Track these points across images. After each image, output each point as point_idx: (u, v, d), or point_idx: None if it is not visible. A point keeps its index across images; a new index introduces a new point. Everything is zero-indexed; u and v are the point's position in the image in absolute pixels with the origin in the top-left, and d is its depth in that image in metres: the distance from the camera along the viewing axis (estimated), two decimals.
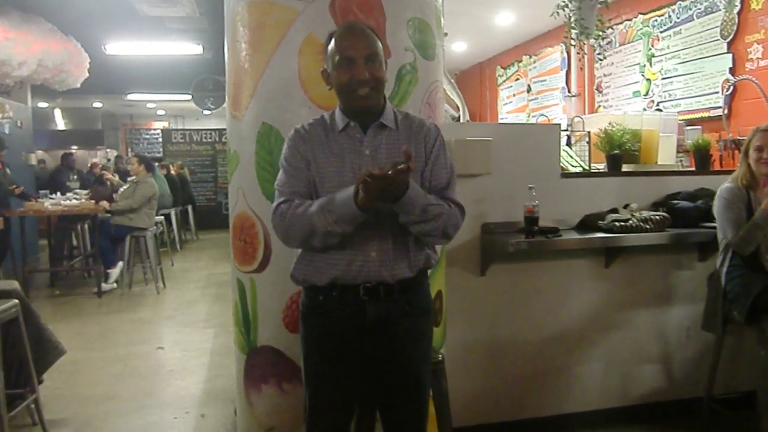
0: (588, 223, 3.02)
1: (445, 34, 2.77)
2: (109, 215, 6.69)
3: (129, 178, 7.01)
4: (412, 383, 1.82)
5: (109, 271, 6.75)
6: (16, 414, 3.00)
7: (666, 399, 3.21)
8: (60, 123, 15.51)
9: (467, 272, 2.93)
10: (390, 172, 1.53)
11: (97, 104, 14.50)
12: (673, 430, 3.05)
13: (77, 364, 4.25)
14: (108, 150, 10.40)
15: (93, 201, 6.91)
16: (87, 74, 8.19)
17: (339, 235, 1.66)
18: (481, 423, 2.94)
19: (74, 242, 8.00)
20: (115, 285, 6.78)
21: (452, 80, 4.04)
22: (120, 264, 6.78)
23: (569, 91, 7.26)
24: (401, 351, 1.79)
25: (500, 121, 8.86)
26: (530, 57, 8.31)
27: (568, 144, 3.94)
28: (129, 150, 10.64)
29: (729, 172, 2.89)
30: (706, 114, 5.11)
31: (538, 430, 3.04)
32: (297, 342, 1.87)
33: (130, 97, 12.89)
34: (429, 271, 1.89)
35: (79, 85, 8.24)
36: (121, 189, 6.84)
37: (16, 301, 3.00)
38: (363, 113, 1.74)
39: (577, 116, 4.62)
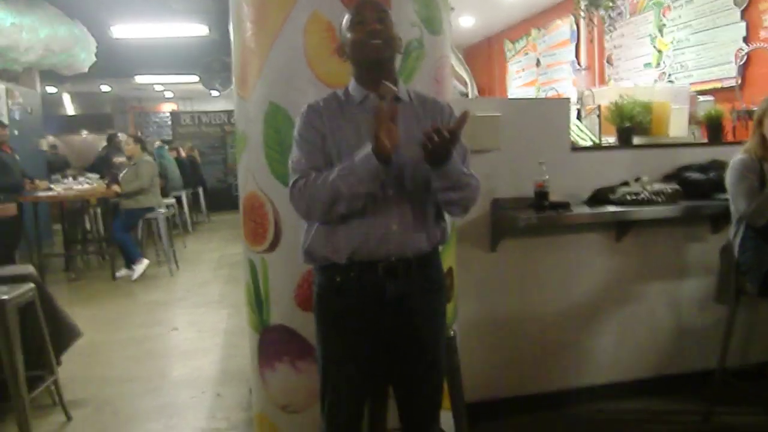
0: (599, 197, 3.00)
1: (452, 9, 2.74)
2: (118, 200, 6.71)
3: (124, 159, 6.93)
4: (429, 359, 1.83)
5: (134, 266, 6.68)
6: (36, 395, 3.06)
7: (678, 371, 3.22)
8: (69, 108, 15.56)
9: (478, 248, 2.93)
10: (446, 131, 1.54)
11: (106, 88, 14.51)
12: (686, 402, 3.06)
13: (94, 346, 4.31)
14: (119, 134, 10.40)
15: (105, 185, 6.97)
16: (94, 58, 8.19)
17: (364, 196, 1.65)
18: (493, 397, 2.96)
19: (87, 226, 8.07)
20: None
21: (460, 55, 4.00)
22: (146, 261, 6.73)
23: (579, 64, 7.18)
24: (419, 327, 1.79)
25: (510, 96, 8.78)
26: (539, 30, 8.21)
27: (579, 117, 3.91)
28: (139, 133, 10.68)
29: (742, 143, 2.86)
30: (718, 84, 5.03)
31: (551, 404, 3.05)
32: (309, 320, 1.87)
33: (138, 80, 12.87)
34: (440, 248, 1.89)
35: (86, 70, 8.24)
36: (121, 174, 6.78)
37: (32, 285, 3.04)
38: (377, 72, 1.73)
39: (587, 89, 4.57)
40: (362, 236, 1.70)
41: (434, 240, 1.80)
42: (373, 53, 1.71)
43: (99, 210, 7.63)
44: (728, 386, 2.89)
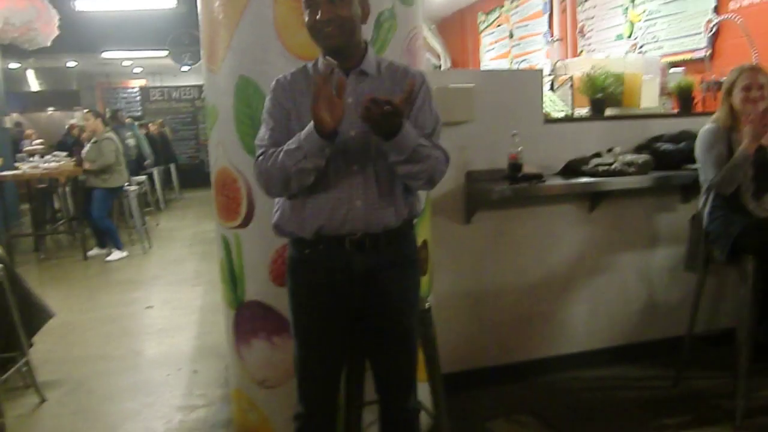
0: (572, 168, 3.02)
1: None
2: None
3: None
4: (401, 332, 1.84)
5: (115, 252, 6.53)
6: (8, 377, 3.02)
7: (650, 338, 3.29)
8: (34, 84, 15.13)
9: (452, 221, 2.94)
10: (390, 100, 1.52)
11: (71, 64, 14.13)
12: (656, 368, 3.13)
13: (67, 326, 4.26)
14: (86, 110, 10.18)
15: (74, 163, 6.82)
16: (57, 32, 7.93)
17: (311, 171, 1.64)
18: (470, 368, 3.00)
19: (56, 205, 7.91)
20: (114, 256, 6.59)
21: (433, 28, 3.96)
22: (125, 254, 6.56)
23: (552, 36, 7.17)
24: (389, 302, 1.79)
25: (483, 68, 8.76)
26: (512, 2, 8.16)
27: (552, 89, 3.91)
28: (107, 110, 10.44)
29: (711, 114, 2.89)
30: (689, 56, 5.06)
31: (526, 373, 3.10)
32: (285, 295, 1.87)
33: (105, 55, 12.54)
34: (415, 221, 1.88)
35: (49, 44, 7.99)
36: (83, 152, 6.51)
37: (1, 266, 2.98)
38: (338, 57, 1.70)
39: (559, 61, 4.57)
40: (326, 212, 1.70)
41: (402, 215, 1.77)
42: (327, 42, 1.68)
43: (68, 189, 7.47)
44: (697, 352, 2.96)
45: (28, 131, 10.78)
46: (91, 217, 6.54)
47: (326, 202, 1.70)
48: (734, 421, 2.61)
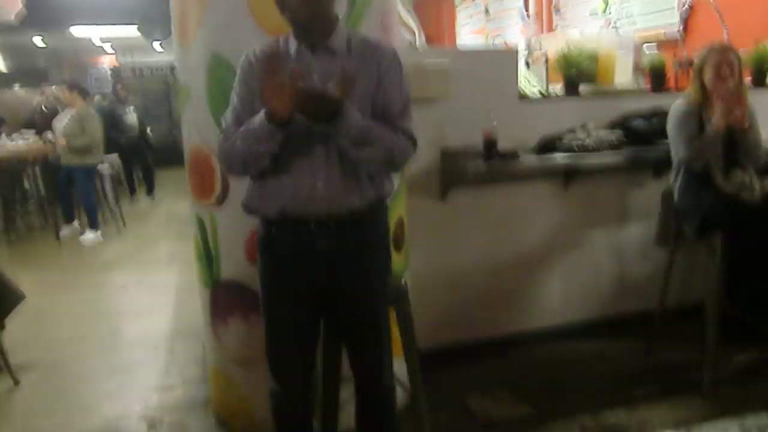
0: (546, 145, 3.04)
1: None
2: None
3: (64, 111, 6.40)
4: (368, 313, 1.84)
5: (90, 231, 6.36)
6: None
7: (622, 312, 3.35)
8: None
9: (428, 198, 2.95)
10: (323, 89, 1.52)
11: (39, 40, 13.74)
12: (628, 341, 3.20)
13: (40, 308, 4.20)
14: (55, 88, 9.91)
15: (42, 142, 6.67)
16: (21, 7, 7.69)
17: (265, 154, 1.65)
18: (445, 344, 3.02)
19: (26, 185, 7.74)
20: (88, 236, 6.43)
21: (407, 3, 3.93)
22: (101, 238, 6.39)
23: (527, 12, 7.16)
24: (354, 283, 1.79)
25: (459, 45, 8.72)
26: None
27: (527, 66, 3.92)
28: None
29: (683, 91, 2.92)
30: (662, 34, 5.10)
31: (502, 348, 3.14)
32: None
33: (74, 31, 12.23)
34: (386, 201, 1.87)
35: (13, 18, 7.74)
36: (57, 124, 6.26)
37: None
38: (305, 33, 1.69)
39: (534, 37, 4.57)
40: (289, 193, 1.69)
41: (368, 197, 1.75)
42: (294, 15, 1.67)
43: (38, 168, 7.30)
44: (667, 324, 3.03)
45: None
46: (64, 194, 6.44)
47: (289, 183, 1.69)
48: (702, 390, 2.69)
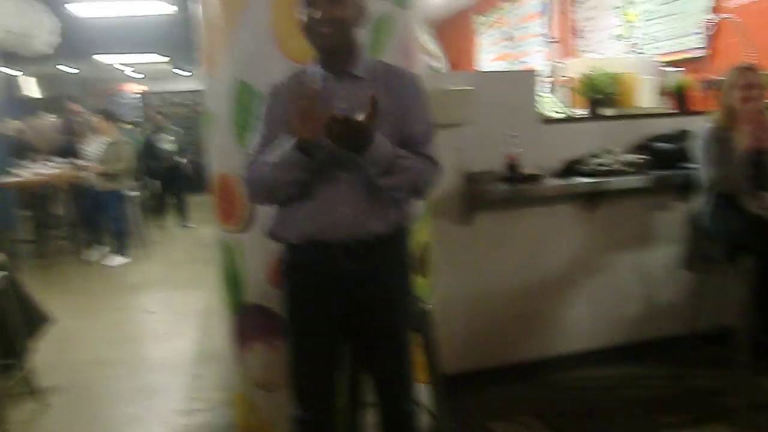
0: (570, 169, 3.03)
1: None
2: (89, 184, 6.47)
3: (96, 139, 6.57)
4: (390, 338, 1.84)
5: (119, 256, 6.55)
6: (11, 384, 3.02)
7: (650, 337, 3.29)
8: (31, 90, 15.11)
9: (452, 222, 2.95)
10: (355, 118, 1.52)
11: (71, 70, 14.14)
12: (657, 367, 3.14)
13: (67, 332, 4.25)
14: (82, 110, 10.14)
15: (71, 168, 6.81)
16: (59, 39, 7.95)
17: (295, 183, 1.65)
18: (471, 369, 3.00)
19: (59, 211, 7.89)
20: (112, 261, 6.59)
21: (430, 30, 3.97)
22: (127, 258, 6.58)
23: (550, 37, 7.18)
24: (377, 308, 1.79)
25: (478, 68, 8.77)
26: (510, 3, 8.18)
27: (551, 90, 3.92)
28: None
29: (709, 113, 2.90)
30: (687, 55, 5.06)
31: (527, 373, 3.11)
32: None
33: (104, 60, 12.56)
34: (409, 226, 1.88)
35: (51, 51, 7.99)
36: (90, 152, 6.46)
37: (4, 272, 2.98)
38: (330, 59, 1.71)
39: (558, 62, 4.58)
40: (313, 219, 1.70)
41: (391, 222, 1.75)
42: (322, 42, 1.68)
43: (71, 194, 7.44)
44: (697, 350, 2.97)
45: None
46: (94, 220, 6.61)
47: (313, 209, 1.70)
48: (734, 419, 2.61)
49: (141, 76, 15.64)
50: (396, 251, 1.83)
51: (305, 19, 1.66)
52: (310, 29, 1.67)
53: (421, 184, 1.74)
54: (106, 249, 6.80)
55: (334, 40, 1.68)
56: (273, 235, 1.82)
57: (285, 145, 1.63)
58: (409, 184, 1.70)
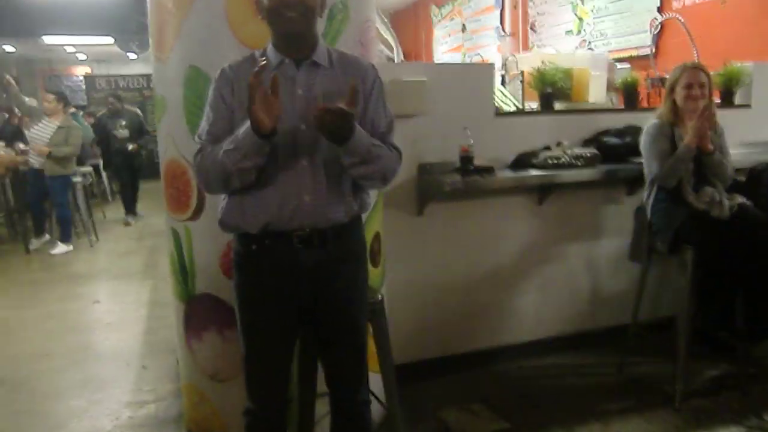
0: (522, 161, 3.08)
1: None
2: (34, 170, 6.24)
3: (44, 121, 6.30)
4: (348, 327, 1.84)
5: (62, 244, 6.35)
6: None
7: (596, 327, 3.38)
8: None
9: (405, 213, 2.96)
10: (342, 107, 1.51)
11: (9, 48, 13.55)
12: (602, 355, 3.23)
13: (7, 322, 4.12)
14: (27, 99, 9.72)
15: (13, 152, 6.56)
16: None
17: (252, 170, 1.63)
18: (422, 358, 3.03)
19: None
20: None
21: (386, 20, 3.97)
22: (71, 248, 6.39)
23: (504, 31, 7.27)
24: (335, 298, 1.79)
25: (436, 62, 8.81)
26: None
27: (503, 83, 3.97)
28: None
29: (655, 109, 2.99)
30: (635, 52, 5.22)
31: (478, 362, 3.15)
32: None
33: (47, 40, 12.07)
34: (364, 216, 1.88)
35: None
36: (36, 134, 6.20)
37: None
38: (292, 45, 1.68)
39: (510, 55, 4.63)
40: (274, 207, 1.67)
41: (351, 211, 1.77)
42: (287, 26, 1.65)
43: (8, 180, 7.16)
44: (640, 338, 3.07)
45: None
46: (36, 205, 6.40)
47: (274, 197, 1.67)
48: (674, 403, 2.72)
49: (85, 57, 15.11)
50: (353, 240, 1.83)
51: (272, 3, 1.62)
52: (275, 13, 1.63)
53: (389, 173, 1.75)
54: (49, 237, 6.59)
55: (299, 26, 1.65)
56: (226, 225, 1.77)
57: (242, 131, 1.60)
58: (380, 173, 1.72)
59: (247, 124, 1.57)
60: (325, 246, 1.72)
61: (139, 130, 8.03)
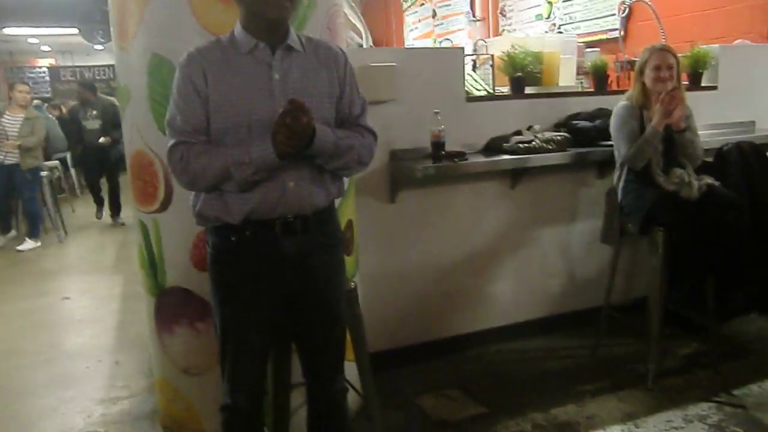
0: (493, 146, 3.07)
1: None
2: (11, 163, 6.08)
3: (7, 114, 6.18)
4: (331, 314, 1.82)
5: (30, 240, 6.21)
6: None
7: (570, 309, 3.41)
8: None
9: (377, 200, 2.94)
10: (291, 119, 1.51)
11: None
12: (576, 338, 3.26)
13: None
14: (20, 84, 9.44)
15: None
16: None
17: (257, 182, 1.62)
18: (396, 346, 3.02)
19: None
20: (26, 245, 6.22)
21: (354, 5, 3.92)
22: (38, 243, 6.25)
23: (474, 16, 7.25)
24: (318, 284, 1.77)
25: (405, 46, 8.77)
26: None
27: (474, 68, 3.96)
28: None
29: (624, 92, 3.00)
30: (604, 36, 5.25)
31: (453, 348, 3.16)
32: (206, 280, 1.81)
33: (8, 31, 11.76)
34: (337, 202, 1.86)
35: None
36: (8, 127, 6.08)
37: None
38: (273, 30, 1.65)
39: (481, 40, 4.63)
40: (258, 196, 1.64)
41: (331, 195, 1.77)
42: (279, 12, 1.61)
43: None
44: (613, 320, 3.10)
45: None
46: (3, 201, 6.29)
47: (257, 186, 1.63)
48: (647, 383, 2.76)
49: (48, 48, 14.76)
50: (332, 225, 1.82)
51: None
52: (265, 0, 1.59)
53: (365, 157, 1.76)
54: (15, 233, 6.45)
55: (289, 12, 1.63)
56: (204, 217, 1.71)
57: (256, 150, 1.57)
58: (355, 161, 1.73)
59: (263, 147, 1.56)
60: (306, 232, 1.70)
61: (113, 122, 6.73)
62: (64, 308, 4.44)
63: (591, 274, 3.41)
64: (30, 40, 13.62)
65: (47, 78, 13.80)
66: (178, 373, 2.40)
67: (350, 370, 2.08)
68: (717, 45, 3.63)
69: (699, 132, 2.95)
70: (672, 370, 2.89)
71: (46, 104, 9.96)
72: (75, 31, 10.03)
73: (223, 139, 1.63)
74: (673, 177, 2.79)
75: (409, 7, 9.02)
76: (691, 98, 2.96)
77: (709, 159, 3.04)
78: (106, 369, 3.31)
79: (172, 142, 1.65)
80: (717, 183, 2.83)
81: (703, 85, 3.60)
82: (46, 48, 14.97)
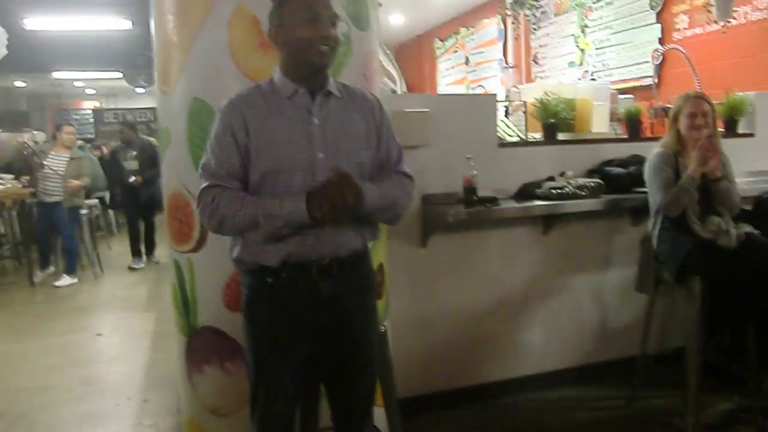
0: (526, 192, 3.07)
1: (379, 4, 2.73)
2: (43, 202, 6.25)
3: (52, 154, 6.36)
4: (363, 357, 1.81)
5: (68, 276, 6.37)
6: None
7: (604, 359, 3.33)
8: None
9: (408, 244, 2.94)
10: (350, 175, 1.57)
11: (20, 84, 13.77)
12: (611, 388, 3.17)
13: (8, 356, 4.09)
14: (35, 132, 9.81)
15: (20, 185, 6.61)
16: (5, 51, 7.71)
17: (283, 236, 1.64)
18: (426, 392, 2.98)
19: (1, 229, 7.62)
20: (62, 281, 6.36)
21: (389, 53, 4.01)
22: (75, 280, 6.39)
23: (506, 63, 7.33)
24: (354, 325, 1.77)
25: (438, 92, 8.89)
26: (468, 29, 8.34)
27: (506, 114, 3.98)
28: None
29: (659, 139, 2.98)
30: (637, 83, 5.25)
31: (483, 396, 3.10)
32: (238, 321, 1.82)
33: (56, 75, 12.27)
34: (370, 244, 1.87)
35: None
36: (48, 169, 6.23)
37: None
38: (314, 76, 1.69)
39: (514, 87, 4.66)
40: (296, 240, 1.65)
41: (367, 238, 1.78)
42: (321, 59, 1.66)
43: (15, 212, 7.20)
44: (649, 371, 3.01)
45: None
46: (44, 238, 6.46)
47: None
48: None
49: (93, 92, 15.33)
50: (366, 267, 1.83)
51: (306, 32, 1.63)
52: (309, 45, 1.63)
53: (406, 204, 1.80)
54: (53, 269, 6.60)
55: (330, 59, 1.68)
56: (243, 262, 1.72)
57: (289, 204, 1.60)
58: (397, 209, 1.77)
59: (296, 204, 1.59)
60: (342, 274, 1.71)
61: (150, 161, 6.83)
62: (97, 345, 4.49)
63: (625, 323, 3.34)
64: (76, 83, 14.18)
65: (91, 120, 14.28)
66: (207, 414, 2.39)
67: (379, 415, 2.05)
68: (753, 92, 3.60)
69: (736, 179, 2.90)
70: (711, 426, 2.79)
71: (88, 145, 10.27)
72: (119, 75, 10.41)
73: (262, 183, 1.65)
74: (709, 225, 2.74)
75: (443, 53, 9.17)
76: (728, 145, 2.92)
77: (748, 207, 2.99)
78: (134, 407, 3.33)
79: (205, 184, 1.68)
80: (756, 231, 2.77)
81: (740, 132, 3.56)
82: (91, 91, 15.56)
